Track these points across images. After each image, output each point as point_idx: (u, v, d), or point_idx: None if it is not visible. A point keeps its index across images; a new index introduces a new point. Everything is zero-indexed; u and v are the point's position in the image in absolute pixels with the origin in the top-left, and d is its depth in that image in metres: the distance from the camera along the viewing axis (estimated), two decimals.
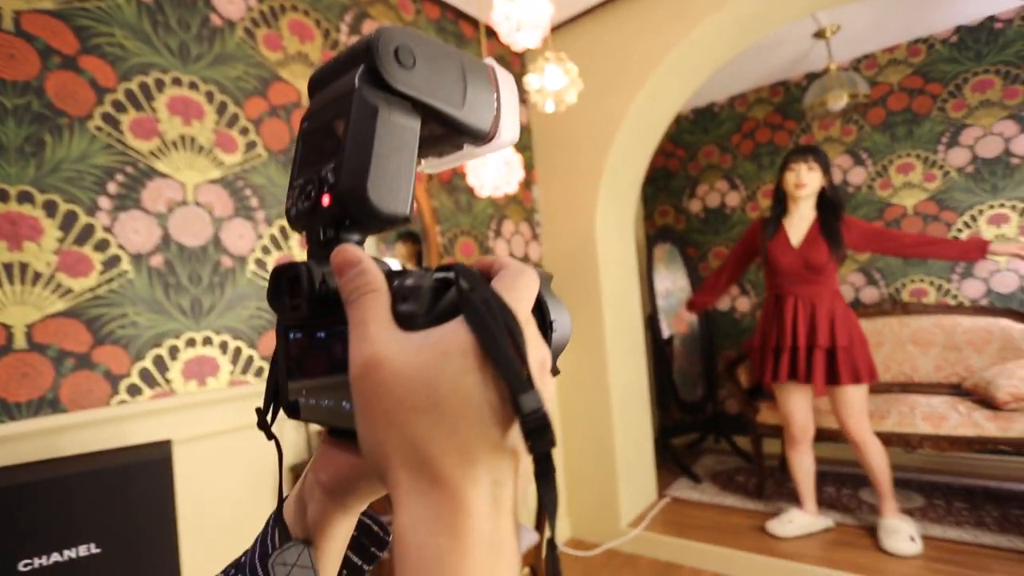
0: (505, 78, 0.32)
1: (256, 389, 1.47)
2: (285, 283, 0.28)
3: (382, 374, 0.22)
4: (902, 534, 2.03)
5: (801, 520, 2.23)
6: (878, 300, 3.09)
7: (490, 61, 0.32)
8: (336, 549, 0.33)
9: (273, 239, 1.58)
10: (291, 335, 0.30)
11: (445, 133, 0.31)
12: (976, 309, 2.71)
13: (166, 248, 1.36)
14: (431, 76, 0.28)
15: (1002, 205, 2.77)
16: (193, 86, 1.45)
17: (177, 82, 1.42)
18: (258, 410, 0.33)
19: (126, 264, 1.29)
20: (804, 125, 3.33)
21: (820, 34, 2.78)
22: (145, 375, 1.30)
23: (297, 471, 1.51)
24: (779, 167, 2.28)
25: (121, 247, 1.29)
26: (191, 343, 1.38)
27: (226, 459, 1.40)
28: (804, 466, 2.25)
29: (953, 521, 2.24)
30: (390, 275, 0.26)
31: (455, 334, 0.23)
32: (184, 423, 1.34)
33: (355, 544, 0.35)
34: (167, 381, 1.34)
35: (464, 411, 0.22)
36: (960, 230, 2.88)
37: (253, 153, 1.56)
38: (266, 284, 1.54)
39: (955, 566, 1.92)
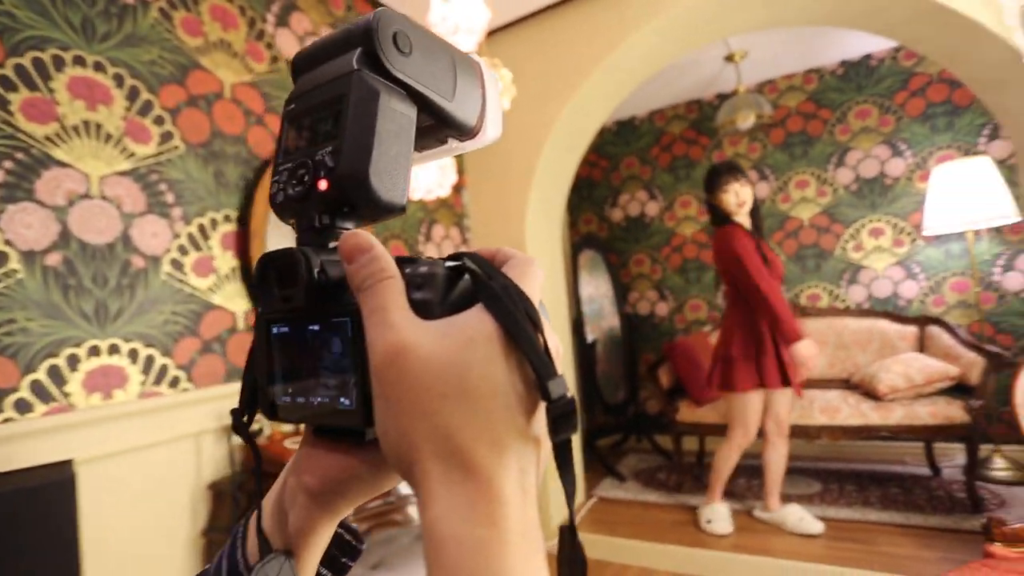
0: (490, 75, 0.32)
1: (172, 401, 1.34)
2: (273, 272, 0.26)
3: (409, 361, 0.21)
4: (808, 518, 2.23)
5: (726, 511, 2.38)
6: None
7: (476, 57, 0.32)
8: (315, 558, 0.31)
9: (191, 238, 1.46)
10: (274, 329, 0.28)
11: (432, 125, 0.30)
12: (860, 312, 3.05)
13: (65, 245, 1.22)
14: (425, 65, 0.28)
15: (879, 220, 3.15)
16: (99, 67, 1.31)
17: (80, 61, 1.28)
18: (234, 412, 0.30)
19: (15, 263, 1.14)
20: (716, 141, 3.59)
21: (730, 58, 3.01)
22: (37, 389, 1.15)
23: (216, 487, 1.39)
24: (709, 187, 2.34)
25: (9, 243, 1.14)
26: (95, 352, 1.24)
27: (138, 479, 1.27)
28: (734, 463, 2.36)
29: (845, 502, 2.49)
30: (400, 262, 0.25)
31: (479, 321, 0.23)
32: (88, 441, 1.19)
33: (325, 556, 0.33)
34: (65, 395, 1.19)
35: (493, 398, 0.21)
36: (848, 241, 3.23)
37: (169, 145, 1.44)
38: (182, 287, 1.42)
39: (850, 542, 2.14)
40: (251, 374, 0.30)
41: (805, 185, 3.34)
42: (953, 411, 2.29)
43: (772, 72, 3.32)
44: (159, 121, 1.42)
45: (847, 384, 2.81)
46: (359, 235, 0.24)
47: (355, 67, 0.26)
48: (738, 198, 2.24)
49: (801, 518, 2.24)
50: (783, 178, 3.40)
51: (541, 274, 0.27)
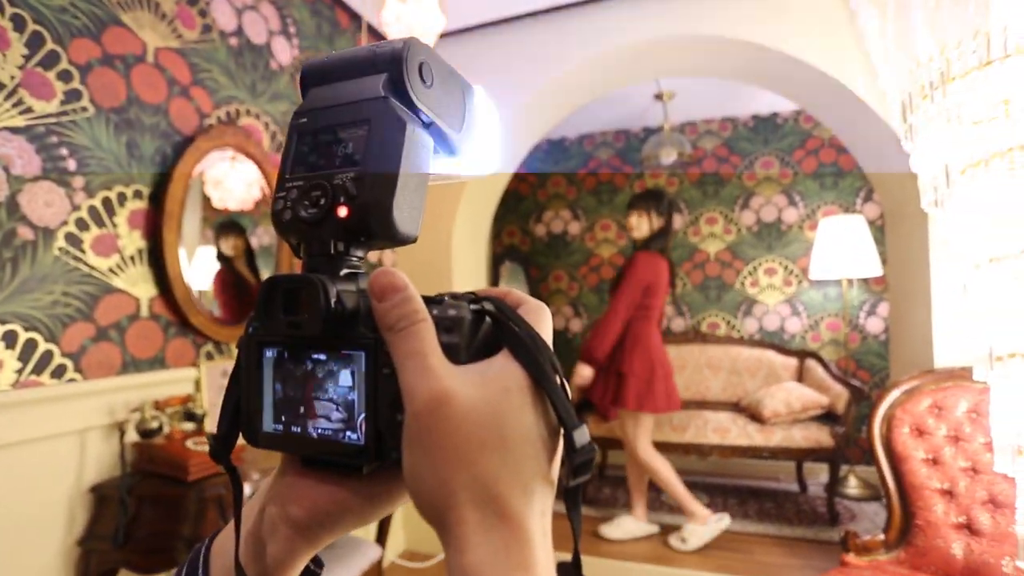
0: (491, 106, 0.33)
1: (55, 392, 1.19)
2: (280, 296, 0.25)
3: (452, 410, 0.22)
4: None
5: (631, 526, 2.50)
6: (684, 329, 3.64)
7: (479, 88, 0.33)
8: None
9: (93, 212, 1.31)
10: (268, 352, 0.27)
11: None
12: (752, 342, 3.35)
13: None
14: (443, 97, 0.29)
15: (774, 260, 3.49)
16: None
17: None
18: (213, 437, 0.29)
19: None
20: (639, 171, 3.80)
21: (659, 96, 3.22)
22: None
23: (100, 490, 1.25)
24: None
25: None
26: None
27: (6, 479, 1.11)
28: (637, 478, 2.50)
29: (728, 515, 2.70)
30: (424, 302, 0.25)
31: (510, 370, 0.24)
32: None
33: None
34: None
35: (525, 446, 0.23)
36: (746, 277, 3.54)
37: (76, 105, 1.28)
38: (78, 265, 1.27)
39: (730, 551, 2.34)
40: (234, 397, 0.28)
41: (714, 222, 3.64)
42: (822, 436, 2.59)
43: (694, 115, 3.59)
44: (65, 77, 1.27)
45: (737, 407, 3.07)
46: (392, 273, 0.24)
47: (382, 93, 0.26)
48: (628, 224, 2.52)
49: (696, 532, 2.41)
50: (695, 213, 3.68)
51: (551, 320, 0.28)
